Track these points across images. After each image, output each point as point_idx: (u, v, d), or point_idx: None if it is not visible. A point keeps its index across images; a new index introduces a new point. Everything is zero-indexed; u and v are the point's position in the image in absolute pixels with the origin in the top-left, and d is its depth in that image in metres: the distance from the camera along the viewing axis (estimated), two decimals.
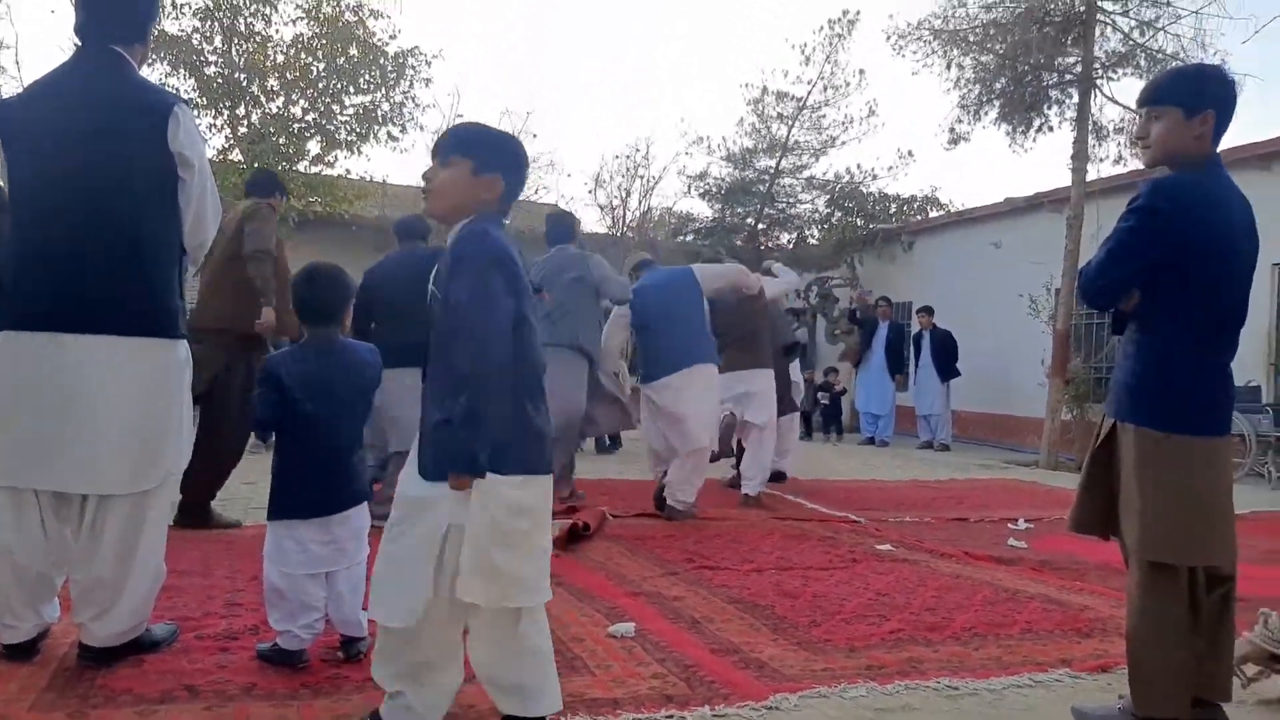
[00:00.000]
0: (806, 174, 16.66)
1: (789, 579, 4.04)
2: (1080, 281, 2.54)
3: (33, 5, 25.49)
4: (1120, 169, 11.41)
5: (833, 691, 2.66)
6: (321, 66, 13.34)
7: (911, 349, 12.70)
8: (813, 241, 16.59)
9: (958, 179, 33.77)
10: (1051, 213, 11.45)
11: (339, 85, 13.41)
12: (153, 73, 12.25)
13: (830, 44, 15.56)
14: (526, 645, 2.17)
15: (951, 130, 12.17)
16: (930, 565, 4.46)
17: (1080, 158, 10.39)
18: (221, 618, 3.11)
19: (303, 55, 13.27)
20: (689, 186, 17.14)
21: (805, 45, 15.88)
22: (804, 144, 16.35)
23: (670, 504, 5.63)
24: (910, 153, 17.01)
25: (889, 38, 12.02)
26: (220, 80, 13.01)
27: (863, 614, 3.50)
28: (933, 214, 15.38)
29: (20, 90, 3.00)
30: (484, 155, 2.21)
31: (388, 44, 13.65)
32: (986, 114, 11.81)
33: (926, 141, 27.01)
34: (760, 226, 16.81)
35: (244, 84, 13.07)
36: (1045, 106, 11.48)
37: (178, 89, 12.58)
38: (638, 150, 19.55)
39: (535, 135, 22.07)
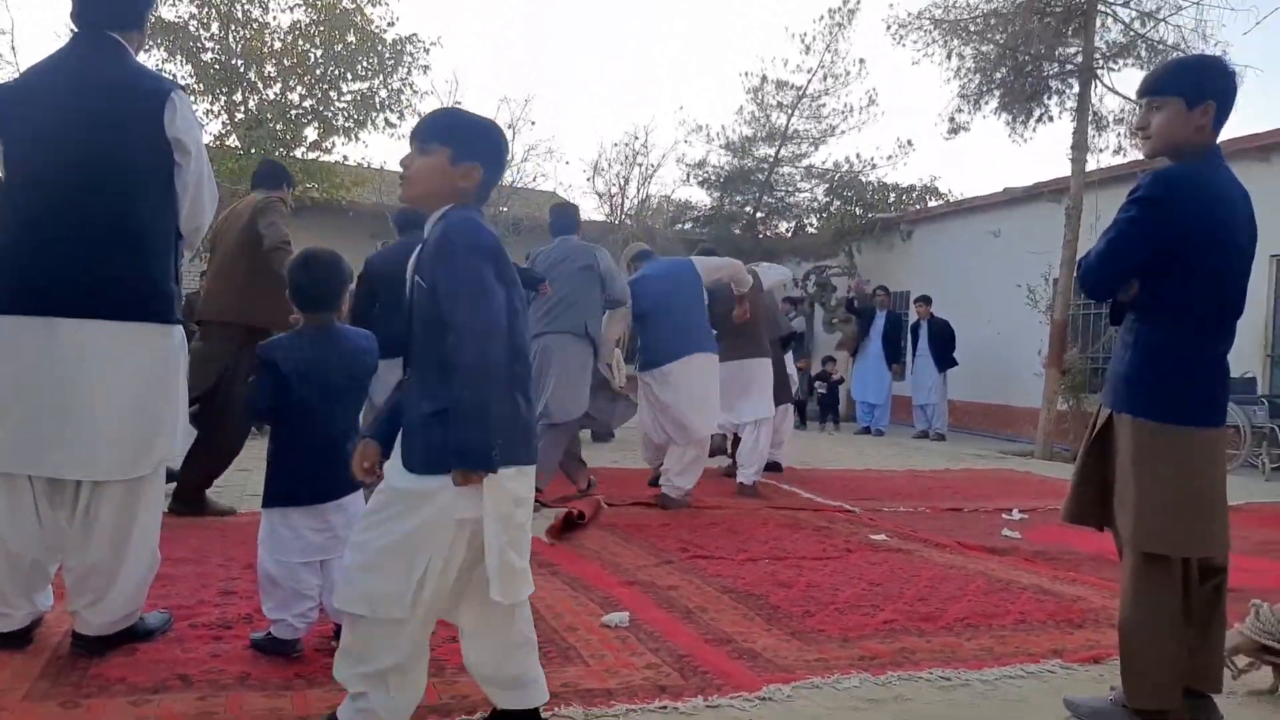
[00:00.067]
0: (805, 163, 16.63)
1: (783, 569, 4.05)
2: (1080, 272, 2.53)
3: None
4: (1120, 159, 11.41)
5: (826, 682, 2.67)
6: (319, 53, 13.28)
7: (909, 338, 12.70)
8: (811, 230, 16.57)
9: (957, 169, 33.69)
10: (1051, 203, 11.44)
11: (336, 72, 13.36)
12: (149, 59, 12.21)
13: (830, 33, 15.50)
14: (521, 637, 2.18)
15: (951, 120, 12.15)
16: (924, 555, 4.47)
17: (1080, 148, 10.37)
18: (215, 606, 3.11)
19: (300, 42, 13.21)
20: (688, 175, 17.11)
21: (805, 34, 15.82)
22: (803, 133, 16.31)
23: (665, 491, 5.65)
24: (910, 142, 16.94)
25: (889, 27, 11.99)
26: (217, 66, 12.95)
27: (856, 604, 3.51)
28: (932, 203, 15.36)
29: (16, 76, 2.99)
30: (463, 143, 2.17)
31: (385, 31, 13.59)
32: (986, 104, 11.80)
33: (926, 131, 27.00)
34: (759, 215, 16.78)
35: (241, 70, 13.02)
36: (1045, 96, 11.46)
37: (174, 75, 12.53)
38: (636, 138, 19.43)
39: (534, 122, 21.96)
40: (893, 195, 15.69)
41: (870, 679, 2.71)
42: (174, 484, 4.50)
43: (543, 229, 14.41)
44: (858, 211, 15.49)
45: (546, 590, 3.52)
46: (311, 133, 13.68)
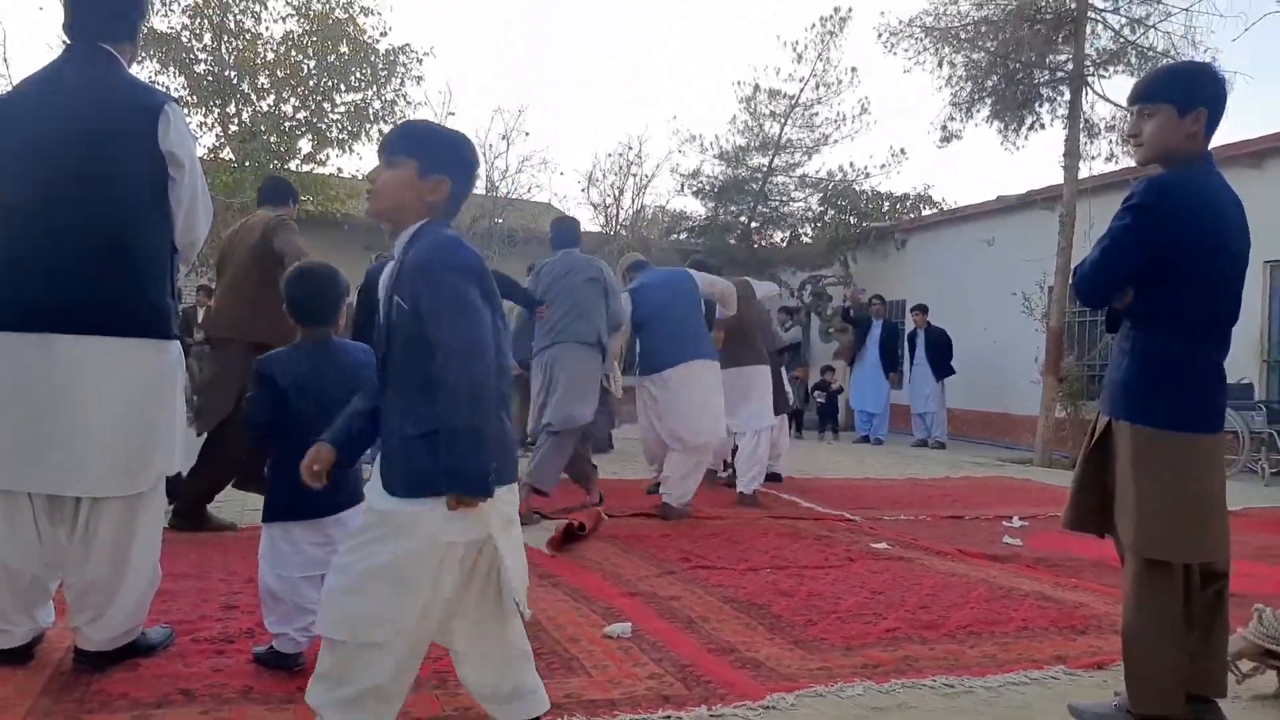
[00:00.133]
0: (799, 172, 16.66)
1: (785, 578, 4.05)
2: (1075, 279, 2.54)
3: (20, 2, 25.38)
4: (1112, 166, 11.45)
5: (829, 690, 2.66)
6: (312, 64, 13.32)
7: (906, 347, 12.72)
8: (806, 240, 16.60)
9: (950, 177, 33.87)
10: (1044, 210, 11.47)
11: (330, 83, 13.40)
12: (142, 70, 12.22)
13: (822, 41, 15.56)
14: (516, 649, 2.17)
15: (944, 128, 12.20)
16: (925, 563, 4.47)
17: (1072, 155, 10.42)
18: (217, 621, 3.10)
19: (293, 53, 13.25)
20: (682, 185, 17.12)
21: (797, 43, 15.86)
22: (797, 142, 16.35)
23: (666, 500, 5.65)
24: (903, 150, 16.91)
25: (880, 35, 12.05)
26: (210, 78, 12.98)
27: (858, 612, 3.51)
28: (926, 212, 15.40)
29: (8, 88, 2.98)
30: (430, 155, 2.14)
31: (378, 41, 13.65)
32: (978, 112, 11.85)
33: (919, 139, 27.08)
34: (753, 225, 16.80)
35: (234, 82, 13.05)
36: (1037, 104, 11.51)
37: (167, 87, 12.55)
38: (630, 148, 19.49)
39: (528, 133, 22.03)
40: (887, 204, 15.74)
41: (874, 687, 2.70)
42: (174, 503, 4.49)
43: (539, 240, 14.46)
44: (852, 220, 15.54)
45: (548, 602, 3.51)
46: (306, 145, 13.72)
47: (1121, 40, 10.87)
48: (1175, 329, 2.39)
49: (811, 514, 5.96)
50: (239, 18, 13.05)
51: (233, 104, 13.18)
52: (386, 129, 13.53)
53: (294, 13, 13.30)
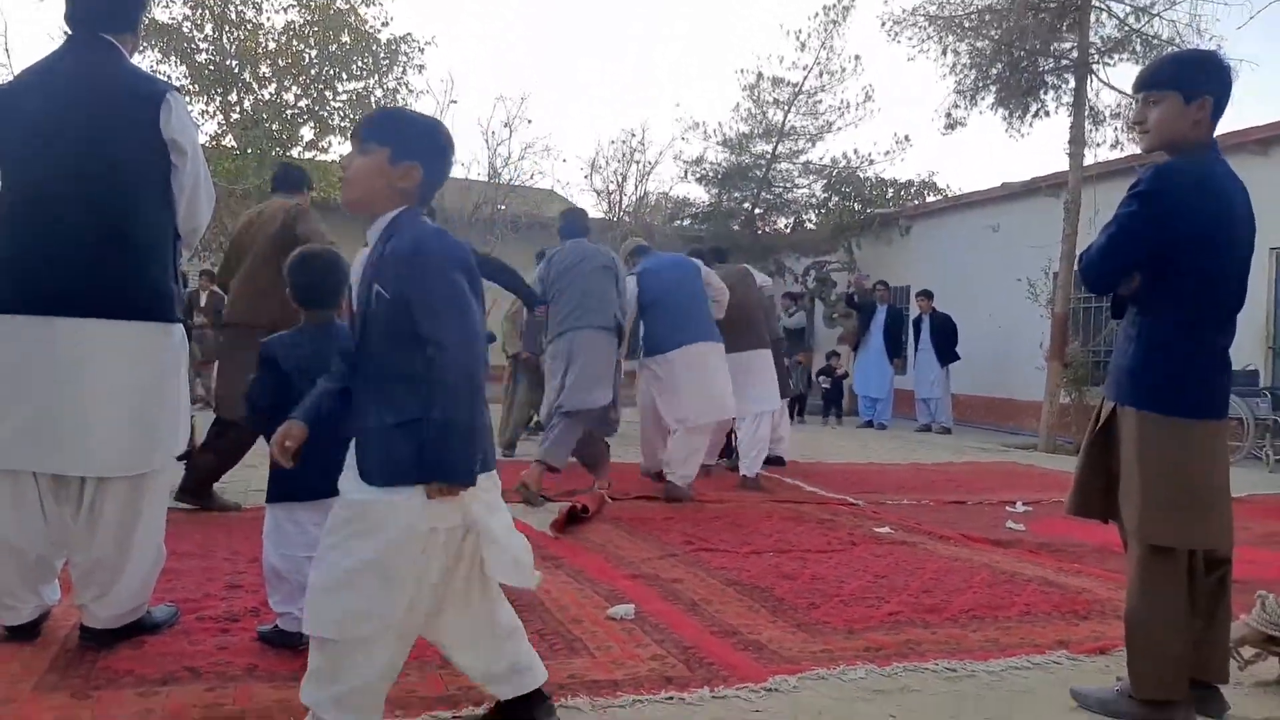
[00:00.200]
0: (803, 159, 16.64)
1: (787, 561, 4.05)
2: (1081, 265, 2.54)
3: None
4: (1117, 154, 11.43)
5: (831, 673, 2.66)
6: (313, 53, 13.30)
7: (911, 333, 12.71)
8: (810, 226, 16.58)
9: (955, 164, 33.79)
10: (1049, 197, 11.45)
11: (331, 72, 13.38)
12: (143, 60, 12.20)
13: (826, 29, 15.52)
14: (506, 629, 2.18)
15: (948, 115, 12.18)
16: (928, 548, 4.47)
17: (1077, 142, 10.39)
18: (222, 600, 3.11)
19: (294, 42, 13.22)
20: (685, 171, 17.11)
21: (801, 31, 15.85)
22: (800, 129, 16.32)
23: (671, 480, 5.69)
24: (907, 138, 16.98)
25: (884, 23, 12.03)
26: (212, 67, 12.96)
27: (861, 596, 3.51)
28: (930, 198, 15.36)
29: (10, 79, 2.99)
30: (401, 142, 2.12)
31: (380, 31, 13.61)
32: (983, 99, 11.81)
33: (923, 126, 27.12)
34: (757, 211, 16.79)
35: (236, 71, 13.03)
36: (1041, 92, 11.48)
37: (169, 76, 12.54)
38: (634, 135, 19.46)
39: (530, 120, 22.03)
40: (891, 190, 15.73)
41: (876, 670, 2.71)
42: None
43: (541, 226, 14.46)
44: (856, 207, 15.53)
45: (552, 583, 3.52)
46: (307, 132, 13.71)
47: (1126, 28, 10.82)
48: (1181, 315, 2.39)
49: (815, 498, 5.97)
50: (240, 8, 13.02)
51: (234, 92, 13.17)
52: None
53: (295, 3, 13.27)
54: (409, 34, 13.77)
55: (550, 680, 2.47)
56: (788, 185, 16.89)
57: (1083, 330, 11.61)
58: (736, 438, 6.74)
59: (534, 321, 5.86)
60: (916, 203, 15.33)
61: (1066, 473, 4.02)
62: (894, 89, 32.44)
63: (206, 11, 12.86)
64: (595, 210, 16.59)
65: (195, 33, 13.00)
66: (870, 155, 16.18)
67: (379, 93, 13.76)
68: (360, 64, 13.55)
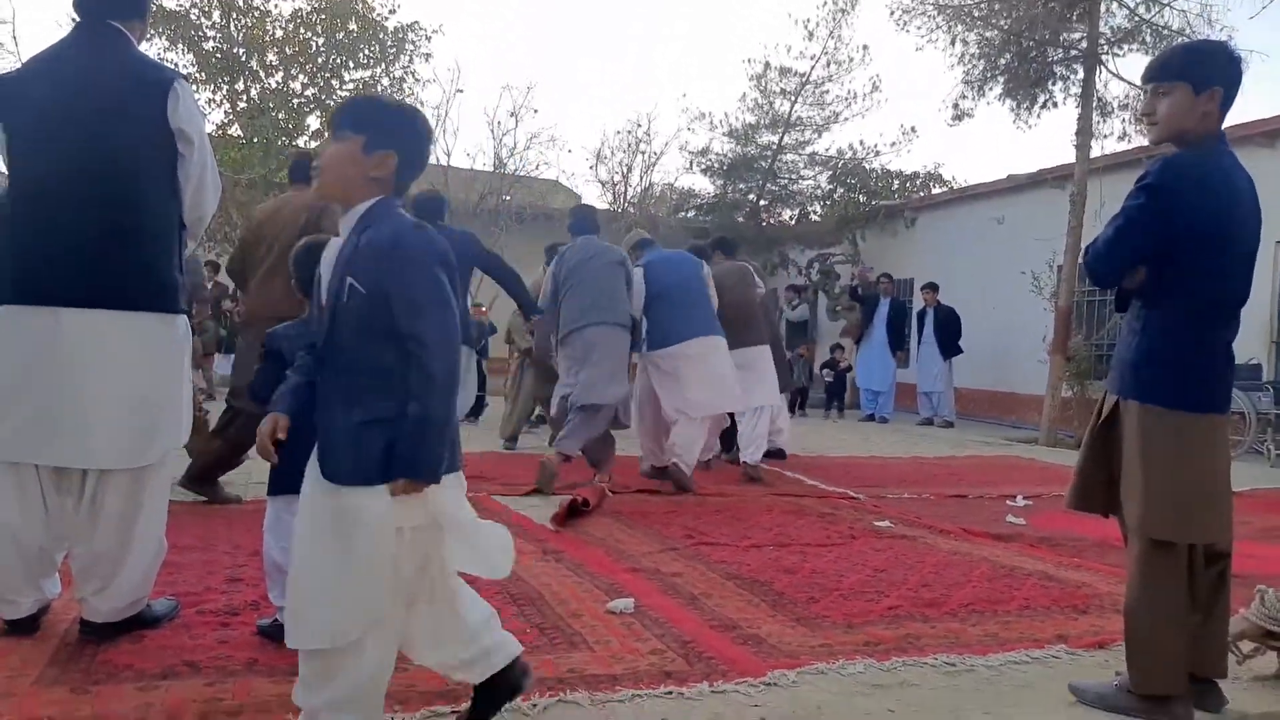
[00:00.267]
0: (809, 150, 16.60)
1: (787, 555, 4.06)
2: (1088, 258, 2.53)
3: None
4: (1125, 145, 11.36)
5: (831, 667, 2.67)
6: (321, 41, 13.28)
7: (915, 325, 12.67)
8: (815, 218, 16.54)
9: (961, 155, 33.62)
10: (1055, 189, 11.40)
11: (338, 60, 13.36)
12: (150, 48, 12.19)
13: (834, 19, 15.48)
14: (477, 621, 2.18)
15: (955, 106, 12.11)
16: (928, 542, 4.47)
17: (1085, 134, 10.33)
18: (222, 593, 3.12)
19: (302, 30, 13.19)
20: (691, 162, 17.10)
21: (809, 20, 15.85)
22: (806, 120, 16.28)
23: (676, 464, 5.73)
24: (913, 129, 16.89)
25: (893, 13, 11.93)
26: (219, 55, 12.94)
27: (861, 590, 3.51)
28: (936, 190, 15.31)
29: (19, 66, 2.99)
30: (376, 130, 2.07)
31: (387, 19, 13.58)
32: (990, 90, 11.76)
33: (930, 118, 26.95)
34: (762, 203, 16.76)
35: (243, 59, 13.01)
36: (1050, 82, 11.42)
37: (176, 64, 12.52)
38: (639, 125, 19.42)
39: (536, 110, 21.94)
40: (896, 182, 15.67)
41: (875, 664, 2.71)
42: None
43: (546, 217, 14.42)
44: (861, 199, 15.47)
45: (551, 577, 3.53)
46: (314, 121, 13.67)
47: (1136, 18, 10.76)
48: (1186, 309, 2.39)
49: (815, 492, 5.97)
50: None
51: (241, 81, 13.15)
52: None
53: None
54: (415, 22, 13.76)
55: (549, 674, 2.49)
56: (793, 176, 16.86)
57: (1086, 324, 11.57)
58: (738, 432, 6.78)
59: (546, 318, 5.86)
60: (922, 195, 15.28)
61: (1067, 467, 4.01)
62: (901, 80, 32.35)
63: None
64: (600, 201, 16.58)
65: (203, 20, 12.99)
66: (876, 147, 16.17)
67: (386, 81, 13.74)
68: (367, 52, 13.53)
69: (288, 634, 2.04)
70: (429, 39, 13.85)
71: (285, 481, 2.71)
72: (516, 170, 15.17)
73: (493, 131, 15.36)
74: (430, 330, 1.94)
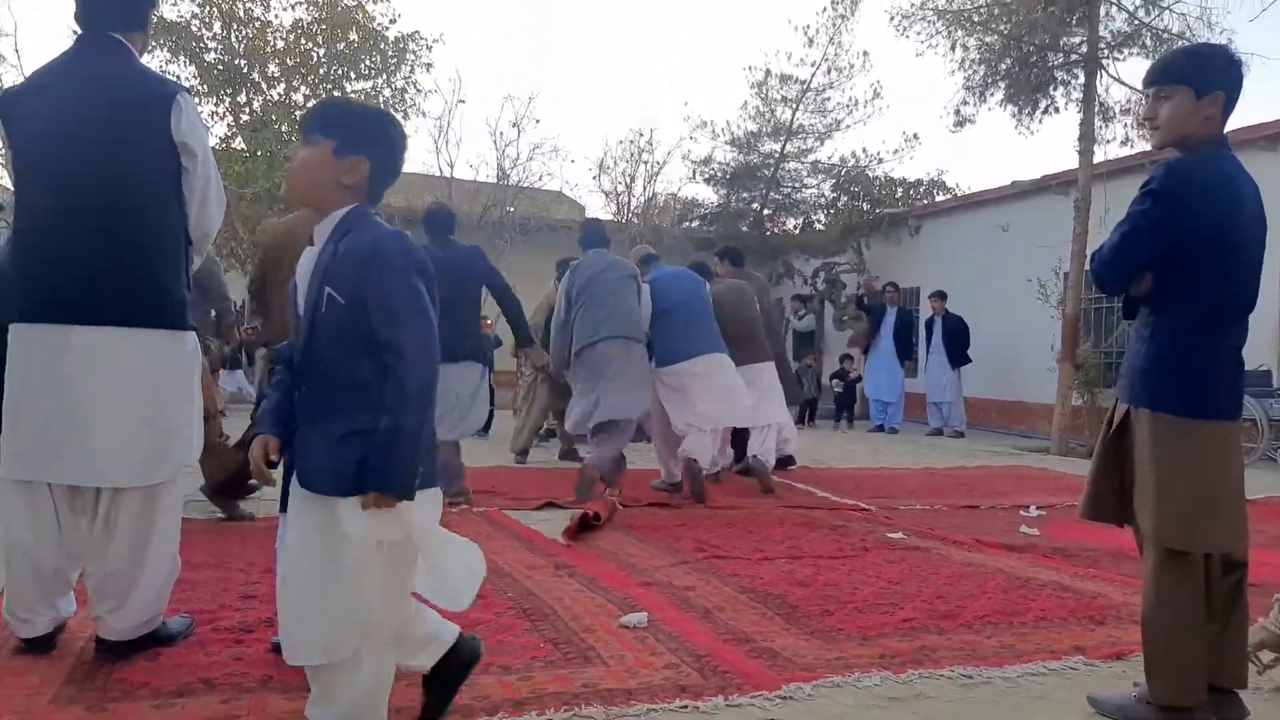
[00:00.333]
0: (811, 158, 16.59)
1: (800, 568, 4.04)
2: (1094, 265, 2.52)
3: None
4: (1127, 150, 11.35)
5: (846, 680, 2.66)
6: (322, 52, 13.29)
7: (923, 334, 12.65)
8: (819, 226, 16.53)
9: (964, 162, 33.72)
10: (1059, 195, 11.39)
11: (340, 71, 13.37)
12: (152, 60, 12.22)
13: (833, 25, 15.47)
14: (422, 623, 2.19)
15: (957, 112, 12.10)
16: (942, 553, 4.45)
17: (1087, 139, 10.32)
18: (236, 610, 3.12)
19: (303, 41, 13.21)
20: (694, 172, 17.07)
21: (808, 27, 15.81)
22: (808, 127, 16.27)
23: (696, 460, 5.79)
24: (916, 136, 16.72)
25: (892, 19, 11.94)
26: (220, 67, 12.97)
27: (875, 603, 3.50)
28: (939, 197, 15.30)
29: (22, 80, 2.99)
30: (347, 135, 2.05)
31: (388, 29, 13.60)
32: (992, 96, 11.75)
33: (932, 124, 26.99)
34: (766, 212, 16.75)
35: (244, 71, 13.03)
36: (1051, 88, 11.41)
37: (178, 76, 12.55)
38: (641, 135, 19.42)
39: (538, 121, 21.95)
40: (900, 190, 15.66)
41: (891, 677, 2.70)
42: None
43: (550, 228, 14.41)
44: (865, 207, 15.47)
45: (564, 592, 3.52)
46: None
47: (1136, 22, 10.76)
48: (1194, 315, 2.38)
49: (827, 504, 5.95)
50: (248, 6, 13.02)
51: (243, 93, 13.17)
52: (397, 116, 13.54)
53: (303, 1, 13.28)
54: (416, 32, 13.76)
55: (564, 690, 2.49)
56: (796, 185, 16.85)
57: (1094, 331, 11.54)
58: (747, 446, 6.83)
59: (560, 334, 5.87)
60: (926, 202, 15.27)
61: (1080, 476, 4.00)
62: (902, 87, 32.36)
63: (215, 9, 12.87)
64: (604, 212, 16.59)
65: (204, 31, 13.01)
66: (879, 154, 16.13)
67: (387, 92, 13.75)
68: (369, 63, 13.54)
69: (285, 652, 2.04)
70: (430, 49, 13.87)
71: None
72: (520, 181, 15.20)
73: (495, 142, 15.40)
74: (408, 340, 1.92)
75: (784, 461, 7.28)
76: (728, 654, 2.85)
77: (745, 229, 16.25)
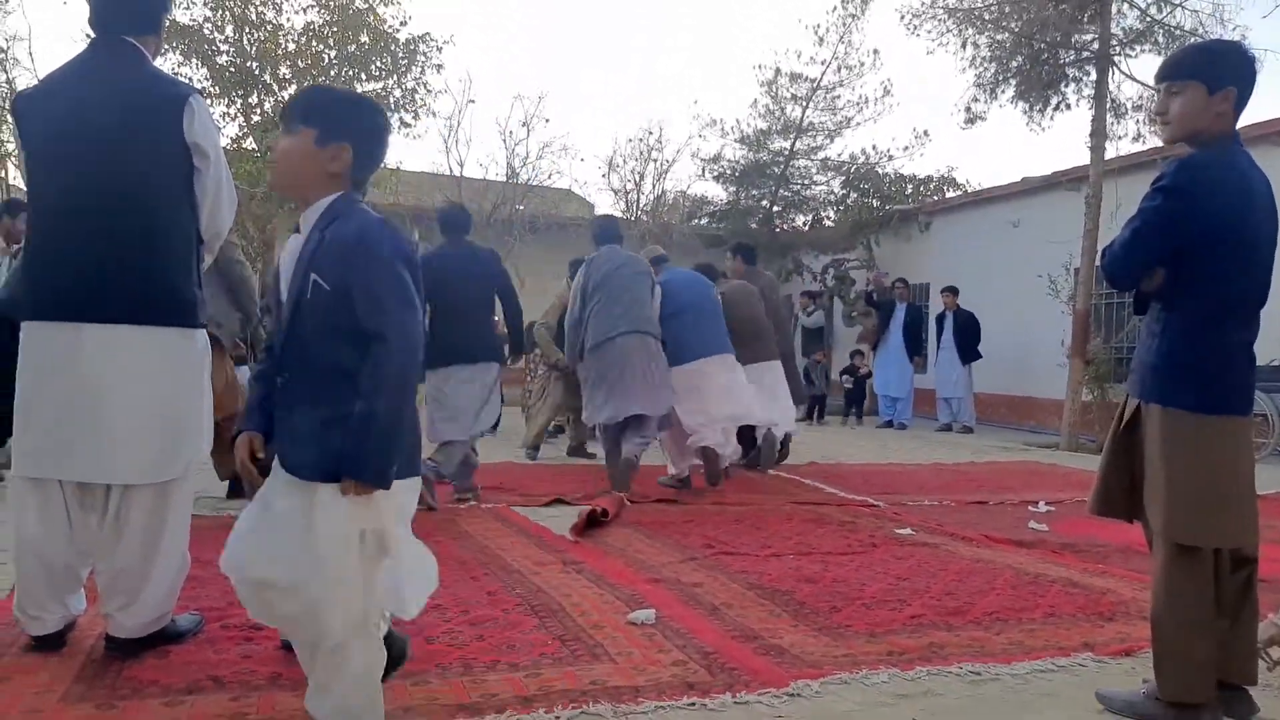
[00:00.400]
0: (821, 155, 16.55)
1: (808, 564, 4.04)
2: (1105, 260, 2.51)
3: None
4: (1139, 146, 11.30)
5: (854, 677, 2.65)
6: (333, 54, 13.32)
7: (934, 329, 12.62)
8: (829, 223, 16.50)
9: (975, 158, 33.59)
10: (1070, 191, 11.34)
11: (351, 73, 13.40)
12: (165, 63, 12.28)
13: (844, 24, 15.43)
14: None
15: (968, 109, 12.05)
16: (950, 549, 4.44)
17: (1099, 135, 10.27)
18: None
19: (314, 43, 13.25)
20: (703, 169, 17.05)
21: (819, 25, 15.83)
22: (818, 125, 16.24)
23: (715, 450, 5.92)
24: (926, 133, 16.64)
25: (903, 17, 11.90)
26: (232, 69, 13.01)
27: (883, 599, 3.49)
28: (950, 194, 15.25)
29: (36, 83, 3.02)
30: (329, 123, 2.05)
31: (398, 31, 13.62)
32: (1003, 92, 11.70)
33: (942, 121, 26.90)
34: (775, 209, 16.72)
35: (256, 72, 13.07)
36: (1062, 84, 11.35)
37: (190, 79, 12.61)
38: (651, 133, 19.41)
39: (548, 119, 21.96)
40: (910, 186, 15.61)
41: (899, 674, 2.69)
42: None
43: (559, 227, 14.43)
44: (875, 203, 15.42)
45: (572, 588, 3.53)
46: None
47: (1148, 19, 10.70)
48: (1205, 311, 2.37)
49: (835, 500, 5.95)
50: (260, 9, 13.06)
51: (255, 94, 13.21)
52: (407, 117, 13.58)
53: (314, 3, 13.31)
54: (427, 33, 13.78)
55: (572, 686, 2.50)
56: (806, 182, 16.81)
57: (1105, 327, 11.49)
58: (757, 441, 6.96)
59: (574, 328, 5.89)
60: (936, 199, 15.22)
61: (1089, 472, 3.97)
62: (912, 84, 32.29)
63: (227, 13, 12.92)
64: (612, 209, 16.59)
65: (216, 34, 13.07)
66: (889, 151, 16.09)
67: (398, 93, 13.78)
68: (379, 64, 13.57)
69: (311, 700, 2.08)
70: (440, 50, 13.88)
71: None
72: (529, 180, 15.22)
73: (505, 141, 15.42)
74: (390, 327, 1.92)
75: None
76: (735, 651, 2.85)
77: (754, 226, 16.22)
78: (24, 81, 11.67)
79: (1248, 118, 2.48)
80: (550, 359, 7.73)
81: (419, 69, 13.83)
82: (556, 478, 6.46)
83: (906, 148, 16.23)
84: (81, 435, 2.56)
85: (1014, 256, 12.65)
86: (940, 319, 12.41)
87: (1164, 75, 2.46)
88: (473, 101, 19.00)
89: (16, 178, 9.12)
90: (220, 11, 12.91)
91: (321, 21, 13.29)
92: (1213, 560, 2.37)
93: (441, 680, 2.51)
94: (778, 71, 15.98)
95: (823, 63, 15.66)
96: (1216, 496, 2.35)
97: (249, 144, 13.19)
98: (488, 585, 3.54)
